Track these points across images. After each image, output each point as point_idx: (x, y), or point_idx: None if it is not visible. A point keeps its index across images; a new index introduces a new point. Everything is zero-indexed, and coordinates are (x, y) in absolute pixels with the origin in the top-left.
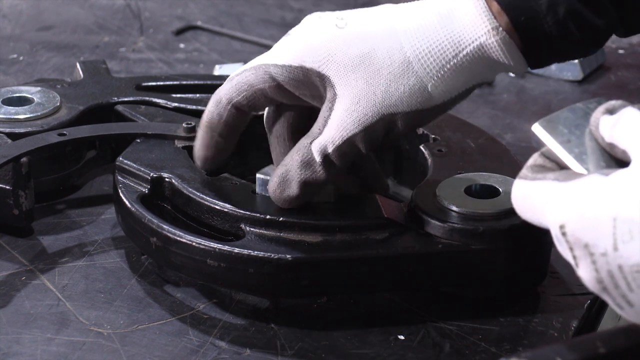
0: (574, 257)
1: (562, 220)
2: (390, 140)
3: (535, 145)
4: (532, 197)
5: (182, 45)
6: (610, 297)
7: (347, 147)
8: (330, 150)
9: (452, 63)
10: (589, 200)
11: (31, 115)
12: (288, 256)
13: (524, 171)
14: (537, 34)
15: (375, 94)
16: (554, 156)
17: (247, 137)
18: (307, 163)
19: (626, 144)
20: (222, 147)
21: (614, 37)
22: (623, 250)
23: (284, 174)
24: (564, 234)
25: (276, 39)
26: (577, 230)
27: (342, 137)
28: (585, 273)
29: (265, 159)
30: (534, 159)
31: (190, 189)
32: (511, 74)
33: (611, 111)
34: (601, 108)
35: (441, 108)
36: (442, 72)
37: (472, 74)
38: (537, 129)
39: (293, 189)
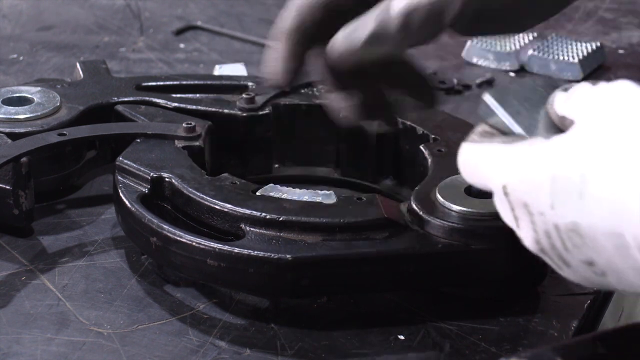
0: (515, 218)
1: (504, 181)
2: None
3: (481, 114)
4: (478, 160)
5: (182, 45)
6: (548, 257)
7: (428, 11)
8: (411, 9)
9: None
10: (530, 161)
11: (31, 115)
12: (288, 256)
13: (472, 136)
14: None
15: None
16: (502, 126)
17: (247, 137)
18: (384, 19)
19: (574, 114)
20: (301, 56)
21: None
22: (559, 208)
23: (357, 23)
24: (506, 194)
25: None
26: (518, 190)
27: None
28: (524, 234)
29: (266, 159)
30: (482, 127)
31: (190, 189)
32: (511, 74)
33: (565, 90)
34: (560, 88)
35: None
36: None
37: None
38: (488, 99)
39: (361, 34)
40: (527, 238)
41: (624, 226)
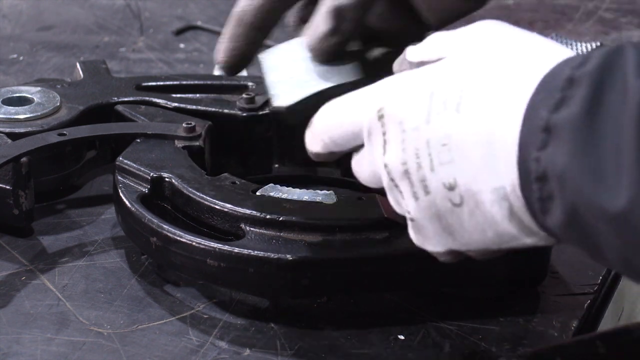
0: (384, 143)
1: (380, 103)
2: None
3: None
4: (342, 108)
5: (182, 45)
6: (409, 182)
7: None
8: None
9: None
10: (407, 81)
11: (31, 115)
12: (288, 256)
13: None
14: None
15: None
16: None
17: (247, 137)
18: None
19: (439, 53)
20: (252, 40)
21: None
22: (435, 121)
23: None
24: (381, 117)
25: (276, 39)
26: (394, 107)
27: None
28: (391, 156)
29: (266, 159)
30: None
31: (190, 189)
32: None
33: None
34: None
35: None
36: None
37: None
38: (262, 60)
39: (324, 21)
40: (393, 160)
41: (496, 135)
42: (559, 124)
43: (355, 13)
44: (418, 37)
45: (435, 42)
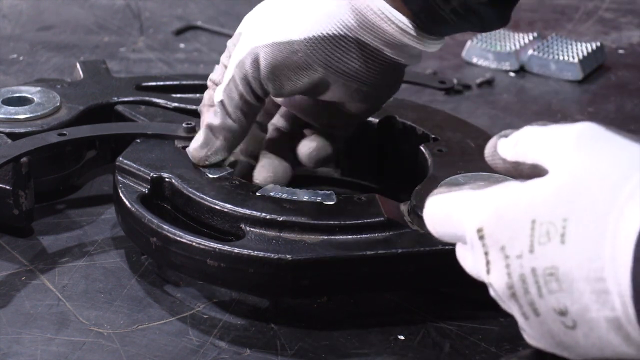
0: (487, 263)
1: (480, 223)
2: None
3: None
4: (447, 208)
5: (182, 45)
6: (517, 304)
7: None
8: (221, 95)
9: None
10: (508, 203)
11: (31, 115)
12: (288, 256)
13: (437, 189)
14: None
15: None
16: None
17: None
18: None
19: (536, 157)
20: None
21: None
22: (539, 252)
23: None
24: (481, 237)
25: None
26: (495, 232)
27: (227, 78)
28: (496, 278)
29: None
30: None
31: (190, 189)
32: (511, 74)
33: (504, 136)
34: (494, 137)
35: (302, 53)
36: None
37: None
38: None
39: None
40: (499, 283)
41: (606, 270)
42: None
43: (225, 133)
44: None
45: (530, 142)
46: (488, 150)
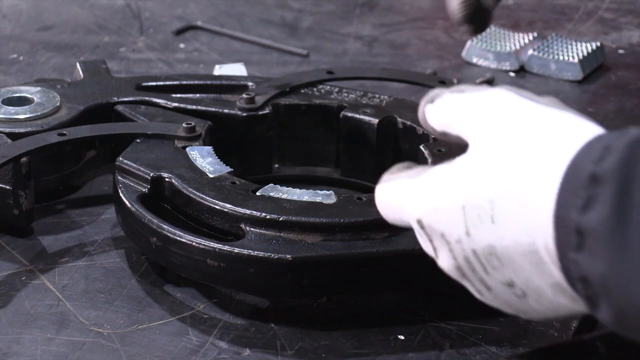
0: (434, 249)
1: (418, 214)
2: None
3: None
4: (390, 198)
5: (182, 45)
6: (469, 282)
7: None
8: None
9: None
10: (438, 192)
11: (31, 115)
12: (288, 256)
13: (384, 176)
14: None
15: None
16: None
17: (247, 137)
18: None
19: (457, 129)
20: None
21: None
22: (475, 234)
23: None
24: (422, 227)
25: (276, 39)
26: (432, 222)
27: None
28: (444, 262)
29: (266, 159)
30: (396, 165)
31: (190, 189)
32: (511, 74)
33: (430, 101)
34: (424, 98)
35: None
36: None
37: None
38: None
39: None
40: (448, 266)
41: (537, 243)
42: (590, 227)
43: None
44: None
45: (450, 112)
46: (420, 117)
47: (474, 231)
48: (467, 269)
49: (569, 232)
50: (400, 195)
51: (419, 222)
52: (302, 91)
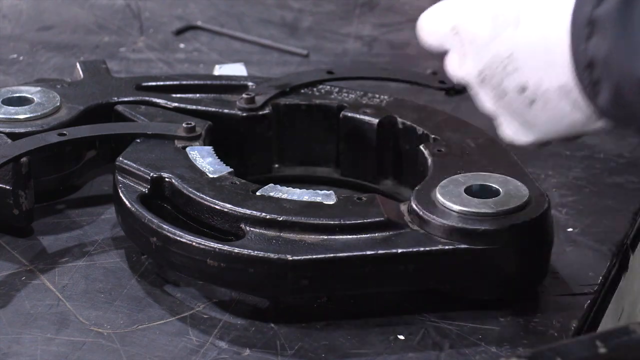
0: (464, 55)
1: (454, 22)
2: None
3: None
4: (430, 18)
5: (182, 45)
6: (488, 88)
7: None
8: None
9: None
10: (474, 6)
11: (31, 115)
12: (288, 256)
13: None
14: None
15: None
16: None
17: (247, 137)
18: None
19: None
20: None
21: None
22: (500, 38)
23: None
24: (457, 33)
25: (276, 39)
26: (467, 28)
27: None
28: (470, 67)
29: (266, 159)
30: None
31: (190, 189)
32: None
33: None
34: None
35: None
36: None
37: None
38: None
39: None
40: (473, 69)
41: (553, 43)
42: (600, 17)
43: None
44: None
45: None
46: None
47: (500, 35)
48: (489, 72)
49: (582, 26)
50: (441, 10)
51: (454, 29)
52: (302, 91)
